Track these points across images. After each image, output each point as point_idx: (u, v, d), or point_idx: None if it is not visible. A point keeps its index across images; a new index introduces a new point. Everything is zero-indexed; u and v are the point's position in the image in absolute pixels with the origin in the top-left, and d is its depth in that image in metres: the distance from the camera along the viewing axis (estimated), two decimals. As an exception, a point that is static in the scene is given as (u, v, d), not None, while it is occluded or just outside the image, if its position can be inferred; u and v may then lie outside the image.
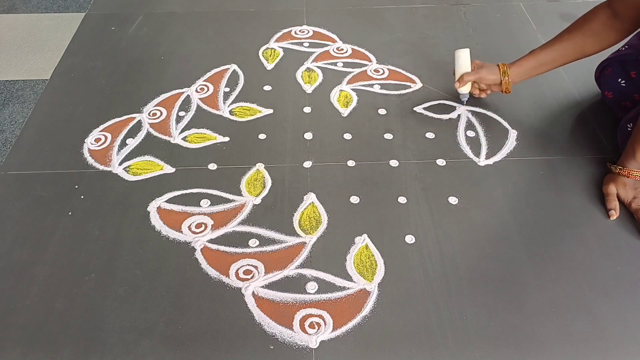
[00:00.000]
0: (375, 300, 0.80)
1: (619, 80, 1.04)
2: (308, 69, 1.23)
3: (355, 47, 1.30)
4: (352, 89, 1.18)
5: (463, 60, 1.02)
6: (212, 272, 0.84)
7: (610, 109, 1.09)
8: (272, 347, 0.75)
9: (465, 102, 1.08)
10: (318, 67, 1.24)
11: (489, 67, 1.02)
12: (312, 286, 0.82)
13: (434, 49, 1.29)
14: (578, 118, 1.10)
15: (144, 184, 0.97)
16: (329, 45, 1.30)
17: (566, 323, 0.77)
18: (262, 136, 1.07)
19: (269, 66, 1.24)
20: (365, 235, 0.89)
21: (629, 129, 0.97)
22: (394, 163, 1.01)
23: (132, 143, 1.05)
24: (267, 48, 1.30)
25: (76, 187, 0.97)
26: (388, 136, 1.06)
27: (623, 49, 1.05)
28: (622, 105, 1.05)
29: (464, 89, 1.04)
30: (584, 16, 0.96)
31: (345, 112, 1.12)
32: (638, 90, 1.01)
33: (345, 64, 1.25)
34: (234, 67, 1.24)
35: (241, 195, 0.95)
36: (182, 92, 1.17)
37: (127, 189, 0.96)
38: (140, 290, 0.81)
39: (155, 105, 1.14)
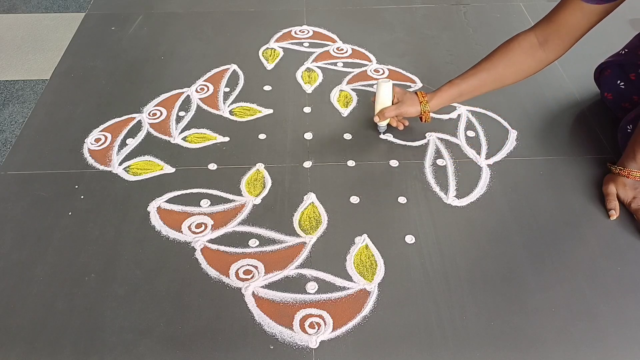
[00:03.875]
0: (375, 300, 0.80)
1: (618, 82, 1.04)
2: (308, 69, 1.23)
3: (355, 47, 1.30)
4: (352, 89, 1.18)
5: (385, 93, 0.98)
6: (212, 272, 0.84)
7: (610, 109, 1.09)
8: (272, 347, 0.75)
9: (384, 133, 1.05)
10: (318, 67, 1.24)
11: (410, 99, 0.98)
12: (312, 286, 0.82)
13: (434, 49, 1.29)
14: (578, 118, 1.10)
15: (144, 184, 0.97)
16: (329, 45, 1.30)
17: (566, 323, 0.77)
18: (262, 136, 1.07)
19: (269, 66, 1.24)
20: (365, 235, 0.89)
21: (628, 130, 0.97)
22: (394, 163, 1.01)
23: (132, 143, 1.05)
24: (267, 48, 1.30)
25: (76, 187, 0.97)
26: (388, 136, 1.06)
27: (623, 52, 1.05)
28: (622, 106, 1.05)
29: (383, 122, 1.02)
30: (507, 45, 0.92)
31: (345, 112, 1.12)
32: (637, 92, 1.01)
33: (345, 64, 1.25)
34: (234, 67, 1.24)
35: (241, 195, 0.95)
36: (182, 92, 1.17)
37: (127, 189, 0.96)
38: (140, 290, 0.81)
39: (155, 105, 1.14)
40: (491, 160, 1.01)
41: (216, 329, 0.77)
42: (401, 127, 1.01)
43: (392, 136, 1.06)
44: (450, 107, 1.12)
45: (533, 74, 0.93)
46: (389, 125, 1.05)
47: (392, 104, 1.00)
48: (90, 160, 1.02)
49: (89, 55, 1.27)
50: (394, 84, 0.99)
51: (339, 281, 0.82)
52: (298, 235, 0.89)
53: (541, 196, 0.95)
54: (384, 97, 0.99)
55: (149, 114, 1.12)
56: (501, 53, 0.92)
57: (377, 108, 1.00)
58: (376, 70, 1.22)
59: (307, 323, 0.77)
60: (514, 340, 0.76)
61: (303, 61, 1.25)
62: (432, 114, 1.02)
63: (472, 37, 1.33)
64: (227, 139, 1.06)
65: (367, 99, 1.15)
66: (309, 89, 1.18)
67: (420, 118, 0.99)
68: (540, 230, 0.89)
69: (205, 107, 1.14)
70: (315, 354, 0.74)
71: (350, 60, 1.26)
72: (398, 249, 0.87)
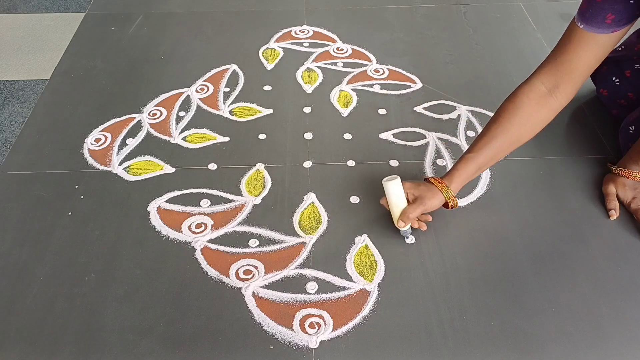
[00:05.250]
0: (375, 300, 0.80)
1: (614, 78, 1.04)
2: (308, 69, 1.23)
3: (355, 47, 1.30)
4: (352, 89, 1.18)
5: (396, 193, 0.83)
6: (212, 272, 0.84)
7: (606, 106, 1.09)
8: (272, 347, 0.75)
9: (408, 237, 0.88)
10: (318, 67, 1.24)
11: (428, 191, 0.84)
12: (312, 286, 0.82)
13: (434, 49, 1.29)
14: (578, 118, 1.10)
15: (144, 184, 0.97)
16: (329, 45, 1.30)
17: (566, 323, 0.77)
18: (262, 136, 1.07)
19: (269, 66, 1.24)
20: (365, 235, 0.89)
21: (630, 131, 0.96)
22: (394, 163, 1.01)
23: (132, 143, 1.05)
24: (267, 48, 1.30)
25: (76, 187, 0.97)
26: (388, 136, 1.06)
27: (619, 49, 1.05)
28: (617, 102, 1.05)
29: (408, 226, 0.85)
30: (514, 101, 0.83)
31: (345, 112, 1.12)
32: (632, 89, 1.01)
33: (345, 64, 1.25)
34: (234, 67, 1.24)
35: (241, 195, 0.95)
36: (182, 92, 1.17)
37: (127, 189, 0.96)
38: (140, 290, 0.81)
39: (155, 105, 1.14)
40: (491, 160, 1.01)
41: (216, 329, 0.77)
42: (424, 227, 0.86)
43: (391, 136, 1.06)
44: (449, 107, 1.13)
45: (548, 123, 0.84)
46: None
47: (408, 201, 0.85)
48: (90, 160, 1.02)
49: (89, 55, 1.27)
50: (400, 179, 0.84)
51: (339, 281, 0.82)
52: (298, 235, 0.89)
53: (541, 196, 0.95)
54: (397, 197, 0.83)
55: (149, 114, 1.12)
56: (509, 112, 0.82)
57: (395, 212, 0.84)
58: (376, 70, 1.22)
59: (307, 323, 0.77)
60: (514, 340, 0.76)
61: (303, 61, 1.25)
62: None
63: (472, 37, 1.33)
64: (227, 139, 1.06)
65: (367, 99, 1.15)
66: (309, 89, 1.18)
67: (446, 206, 0.85)
68: (540, 230, 0.89)
69: (205, 107, 1.14)
70: (315, 354, 0.74)
71: (350, 60, 1.26)
72: (398, 249, 0.87)
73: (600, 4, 0.74)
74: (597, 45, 0.77)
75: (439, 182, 0.84)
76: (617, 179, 0.93)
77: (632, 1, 0.73)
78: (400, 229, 0.86)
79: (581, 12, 0.77)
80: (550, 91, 0.81)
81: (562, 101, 0.82)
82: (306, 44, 1.31)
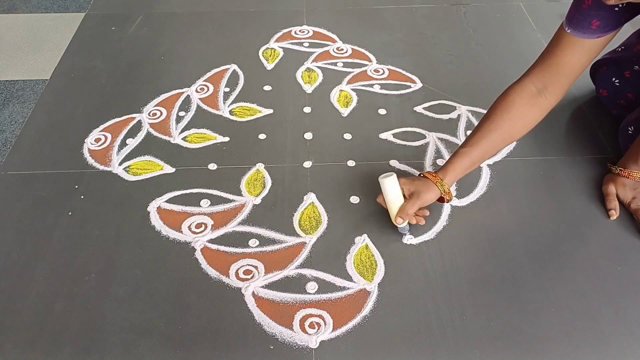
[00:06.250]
0: (375, 300, 0.80)
1: (613, 79, 1.04)
2: (308, 69, 1.23)
3: (355, 47, 1.30)
4: (352, 89, 1.18)
5: (393, 189, 0.83)
6: (212, 272, 0.84)
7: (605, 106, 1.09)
8: (272, 347, 0.75)
9: (407, 234, 0.87)
10: (318, 67, 1.24)
11: (423, 185, 0.84)
12: (312, 286, 0.82)
13: (434, 49, 1.29)
14: (578, 118, 1.10)
15: (144, 184, 0.97)
16: (329, 45, 1.30)
17: (566, 323, 0.77)
18: (262, 136, 1.07)
19: (269, 66, 1.24)
20: (365, 235, 0.89)
21: (630, 131, 0.97)
22: (394, 163, 1.01)
23: (132, 143, 1.05)
24: (267, 48, 1.30)
25: (76, 187, 0.97)
26: (388, 136, 1.06)
27: (619, 49, 1.05)
28: (617, 103, 1.05)
29: (405, 222, 0.85)
30: (506, 99, 0.84)
31: (345, 112, 1.12)
32: (632, 89, 1.01)
33: (345, 64, 1.25)
34: (234, 67, 1.24)
35: (241, 195, 0.95)
36: (182, 92, 1.17)
37: (127, 189, 0.96)
38: (140, 290, 0.81)
39: (155, 105, 1.14)
40: (491, 160, 1.01)
41: (216, 329, 0.77)
42: (423, 222, 0.86)
43: (391, 136, 1.06)
44: (449, 107, 1.13)
45: (539, 121, 0.85)
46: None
47: (404, 197, 0.85)
48: (90, 160, 1.02)
49: (89, 55, 1.27)
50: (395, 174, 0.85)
51: (339, 281, 0.82)
52: (298, 235, 0.89)
53: (541, 196, 0.95)
54: (394, 194, 0.83)
55: (149, 114, 1.12)
56: (502, 109, 0.84)
57: (392, 209, 0.84)
58: (376, 70, 1.22)
59: (307, 323, 0.77)
60: (514, 340, 0.76)
61: (303, 61, 1.25)
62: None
63: (472, 37, 1.33)
64: (227, 139, 1.06)
65: (367, 99, 1.15)
66: (309, 89, 1.18)
67: (441, 200, 0.87)
68: (540, 230, 0.89)
69: (205, 107, 1.14)
70: (315, 354, 0.74)
71: (350, 60, 1.26)
72: (398, 249, 0.87)
73: (586, 10, 0.76)
74: (582, 50, 0.79)
75: (433, 176, 0.85)
76: (617, 179, 0.93)
77: (617, 9, 0.75)
78: (398, 226, 0.86)
79: (569, 17, 0.79)
80: (540, 91, 0.83)
81: (552, 101, 0.84)
82: (306, 44, 1.31)
